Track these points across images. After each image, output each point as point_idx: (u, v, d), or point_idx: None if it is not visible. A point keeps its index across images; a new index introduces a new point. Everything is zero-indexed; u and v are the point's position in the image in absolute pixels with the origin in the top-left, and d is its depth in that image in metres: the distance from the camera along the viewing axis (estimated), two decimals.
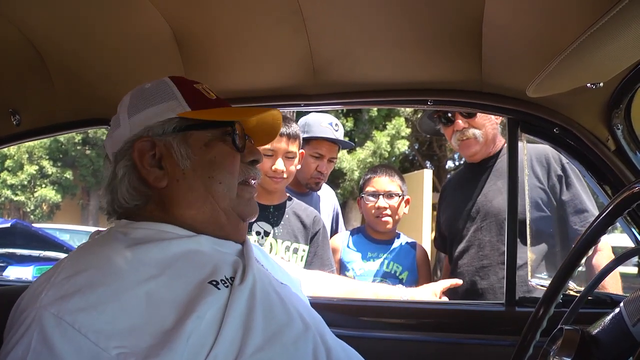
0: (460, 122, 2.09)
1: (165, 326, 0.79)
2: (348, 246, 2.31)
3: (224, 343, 0.81)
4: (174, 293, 0.84)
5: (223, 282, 0.89)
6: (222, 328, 0.82)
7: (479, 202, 2.09)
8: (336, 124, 2.45)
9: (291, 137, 2.08)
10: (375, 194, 2.27)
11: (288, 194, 2.21)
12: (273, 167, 2.05)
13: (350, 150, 12.88)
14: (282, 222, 2.10)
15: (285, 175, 2.08)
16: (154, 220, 0.99)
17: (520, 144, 1.60)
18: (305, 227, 2.13)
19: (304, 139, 2.41)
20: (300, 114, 2.57)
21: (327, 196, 2.66)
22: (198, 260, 0.92)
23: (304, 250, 2.10)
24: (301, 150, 2.21)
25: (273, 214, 2.10)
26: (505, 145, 1.93)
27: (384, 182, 2.28)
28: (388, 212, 2.25)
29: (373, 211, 2.26)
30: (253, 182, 1.09)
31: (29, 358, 0.72)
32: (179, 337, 0.77)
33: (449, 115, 2.12)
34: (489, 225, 2.04)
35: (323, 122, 2.41)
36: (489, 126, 2.10)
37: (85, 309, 0.76)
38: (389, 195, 2.26)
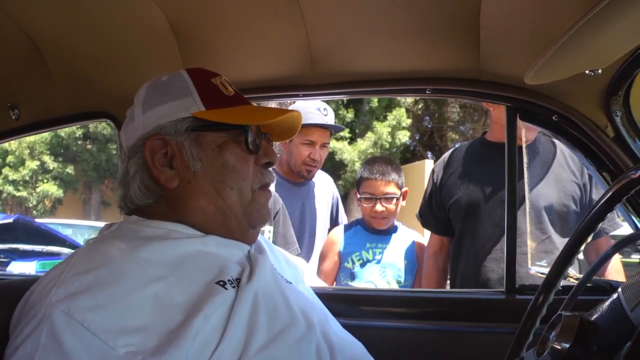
0: None
1: (173, 325, 0.79)
2: (346, 238, 2.31)
3: (229, 342, 0.81)
4: (181, 294, 0.84)
5: (230, 282, 0.89)
6: (227, 328, 0.82)
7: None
8: (324, 109, 2.36)
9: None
10: (372, 198, 2.23)
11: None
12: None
13: (351, 141, 12.87)
14: None
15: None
16: (164, 219, 0.97)
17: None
18: None
19: None
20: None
21: (325, 184, 2.61)
22: (205, 261, 0.92)
23: (269, 231, 2.11)
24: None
25: None
26: (536, 136, 1.98)
27: (380, 185, 2.22)
28: (385, 214, 2.23)
29: (370, 213, 2.25)
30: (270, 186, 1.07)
31: (38, 354, 0.73)
32: (185, 336, 0.77)
33: None
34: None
35: (311, 109, 2.33)
36: (497, 109, 2.03)
37: (94, 307, 0.76)
38: (385, 199, 2.22)
